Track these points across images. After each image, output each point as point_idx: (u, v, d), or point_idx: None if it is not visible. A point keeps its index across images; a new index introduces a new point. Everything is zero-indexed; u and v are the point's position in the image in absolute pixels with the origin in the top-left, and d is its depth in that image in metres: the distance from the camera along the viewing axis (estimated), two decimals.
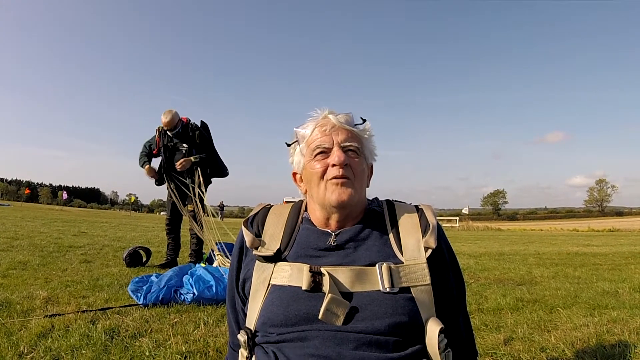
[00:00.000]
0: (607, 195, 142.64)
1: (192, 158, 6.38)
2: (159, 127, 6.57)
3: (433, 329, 1.29)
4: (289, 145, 1.59)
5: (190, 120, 6.59)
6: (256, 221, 1.57)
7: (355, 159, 1.46)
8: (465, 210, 54.34)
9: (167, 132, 6.46)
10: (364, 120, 1.53)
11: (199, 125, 6.62)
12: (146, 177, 6.74)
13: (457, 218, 48.15)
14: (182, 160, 6.38)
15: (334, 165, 1.42)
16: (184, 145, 6.36)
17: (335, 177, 1.42)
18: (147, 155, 6.74)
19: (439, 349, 1.27)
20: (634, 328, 3.45)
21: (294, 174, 1.62)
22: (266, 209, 1.62)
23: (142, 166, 6.68)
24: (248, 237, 1.49)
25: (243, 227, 1.55)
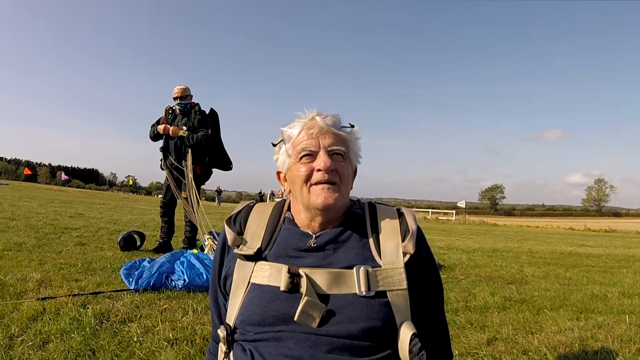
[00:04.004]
0: (605, 195, 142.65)
1: (182, 130, 6.34)
2: (167, 107, 6.64)
3: (406, 334, 1.32)
4: (274, 145, 1.59)
5: (198, 105, 6.59)
6: (239, 219, 1.59)
7: (341, 163, 1.47)
8: (461, 204, 54.24)
9: (176, 106, 6.51)
10: (352, 126, 1.53)
11: (208, 112, 6.60)
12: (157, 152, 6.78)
13: (454, 212, 48.16)
14: (173, 127, 6.38)
15: (319, 170, 1.43)
16: (184, 127, 6.34)
17: (320, 182, 1.43)
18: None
19: (410, 353, 1.30)
20: (618, 335, 3.48)
21: (278, 173, 1.62)
22: (249, 207, 1.64)
23: (153, 134, 6.65)
24: (230, 235, 1.52)
25: (225, 225, 1.57)
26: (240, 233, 1.54)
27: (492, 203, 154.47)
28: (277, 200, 1.70)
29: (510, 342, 3.22)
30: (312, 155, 1.46)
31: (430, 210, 54.83)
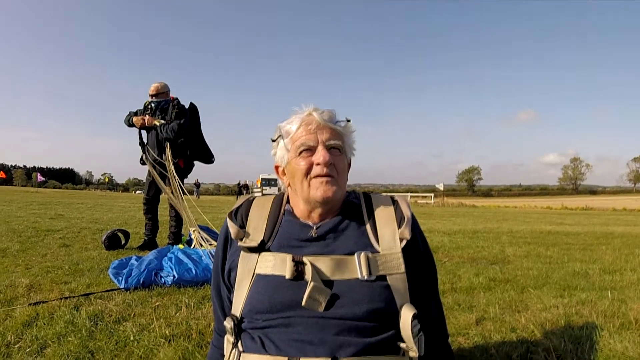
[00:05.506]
0: (581, 174, 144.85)
1: (157, 120, 6.33)
2: (146, 102, 6.57)
3: (407, 315, 1.39)
4: (273, 140, 1.63)
5: (177, 99, 6.54)
6: (240, 213, 1.64)
7: (338, 157, 1.53)
8: (440, 187, 54.79)
9: (151, 103, 6.46)
10: (349, 121, 1.59)
11: (188, 106, 6.54)
12: (134, 144, 6.66)
13: (432, 194, 48.56)
14: (145, 116, 6.39)
15: (318, 164, 1.48)
16: (162, 121, 6.32)
17: (319, 175, 1.49)
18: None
19: (412, 333, 1.37)
20: (602, 310, 3.54)
21: (277, 167, 1.67)
22: (249, 201, 1.69)
23: (128, 122, 6.56)
24: (233, 228, 1.56)
25: (228, 219, 1.61)
26: (242, 226, 1.59)
27: (469, 185, 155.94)
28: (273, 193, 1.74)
29: (498, 321, 3.29)
30: (310, 150, 1.51)
31: (409, 194, 55.19)
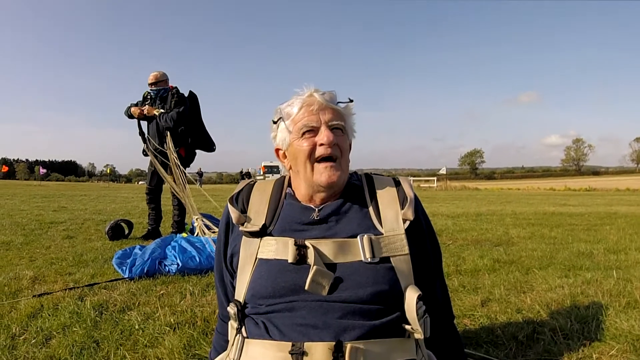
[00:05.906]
0: (584, 155, 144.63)
1: (156, 109, 6.36)
2: (145, 92, 6.60)
3: (411, 296, 1.37)
4: (274, 122, 1.61)
5: (176, 88, 6.53)
6: (241, 198, 1.62)
7: (341, 137, 1.51)
8: (442, 171, 54.71)
9: (150, 92, 6.49)
10: (351, 101, 1.57)
11: (187, 95, 6.54)
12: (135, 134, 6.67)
13: (435, 178, 48.49)
14: (145, 107, 6.45)
15: (322, 144, 1.47)
16: (161, 110, 6.34)
17: (324, 158, 1.48)
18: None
19: (417, 315, 1.34)
20: (607, 290, 3.54)
21: (277, 150, 1.65)
22: (250, 186, 1.67)
23: (128, 114, 6.60)
24: (234, 213, 1.54)
25: (229, 204, 1.59)
26: (243, 211, 1.57)
27: (472, 168, 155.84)
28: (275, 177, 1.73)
29: (504, 302, 3.28)
30: (313, 131, 1.49)
31: (411, 178, 55.21)
